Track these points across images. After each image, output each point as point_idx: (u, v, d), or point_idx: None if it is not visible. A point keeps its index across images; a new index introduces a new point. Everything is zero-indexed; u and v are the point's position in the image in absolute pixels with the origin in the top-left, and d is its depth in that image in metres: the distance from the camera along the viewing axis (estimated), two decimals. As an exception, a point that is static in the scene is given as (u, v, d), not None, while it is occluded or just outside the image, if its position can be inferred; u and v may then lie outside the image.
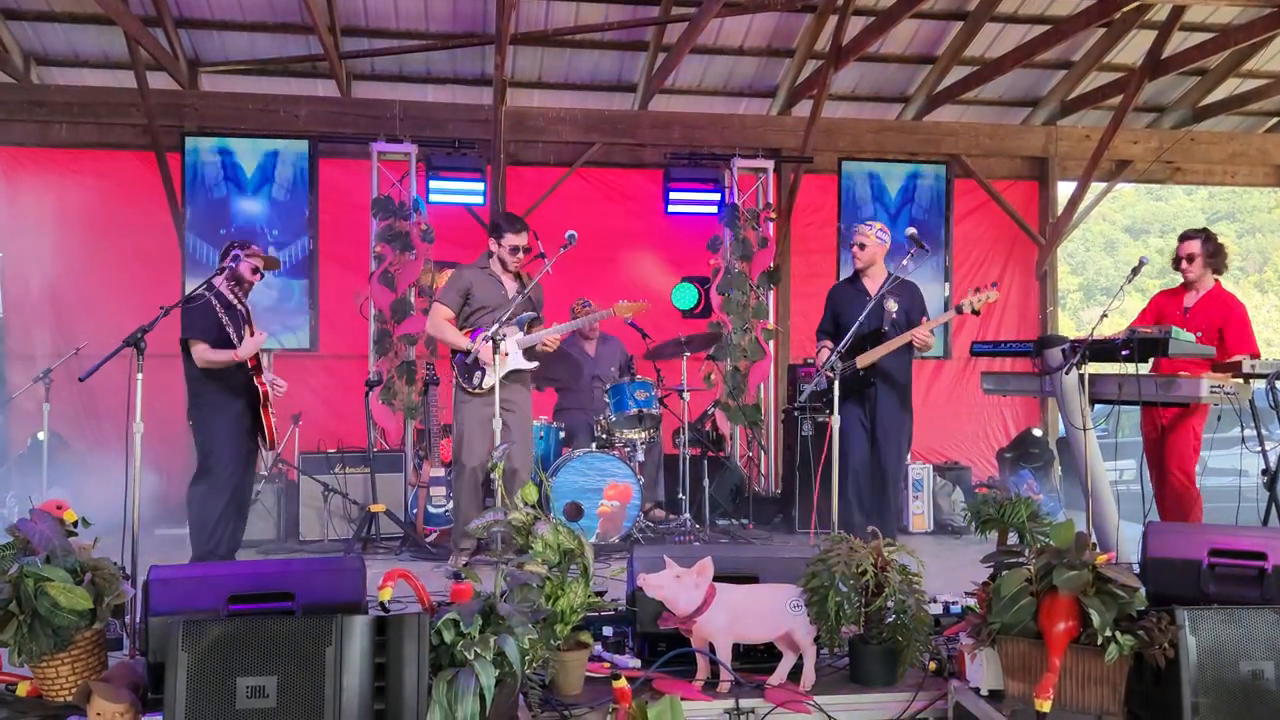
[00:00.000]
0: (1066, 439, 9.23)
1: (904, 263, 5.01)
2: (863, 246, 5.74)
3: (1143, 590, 3.02)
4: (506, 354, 5.45)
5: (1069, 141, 9.89)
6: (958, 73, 9.20)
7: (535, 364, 5.85)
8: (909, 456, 5.96)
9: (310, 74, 8.80)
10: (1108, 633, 2.88)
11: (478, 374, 5.69)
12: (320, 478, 6.81)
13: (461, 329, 5.78)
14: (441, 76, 9.02)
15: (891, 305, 5.56)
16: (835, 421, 4.72)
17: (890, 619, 3.52)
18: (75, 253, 8.22)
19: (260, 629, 2.65)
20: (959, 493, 7.68)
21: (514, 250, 5.77)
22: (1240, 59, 9.30)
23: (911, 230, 5.09)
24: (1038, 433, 8.83)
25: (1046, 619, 3.00)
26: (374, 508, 6.64)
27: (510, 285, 5.83)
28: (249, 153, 8.10)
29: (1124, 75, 9.21)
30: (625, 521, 6.43)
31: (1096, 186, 9.89)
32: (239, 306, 5.36)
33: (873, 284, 5.72)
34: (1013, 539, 3.65)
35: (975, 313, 5.24)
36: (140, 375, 4.19)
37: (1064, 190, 10.02)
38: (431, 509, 6.77)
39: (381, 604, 3.04)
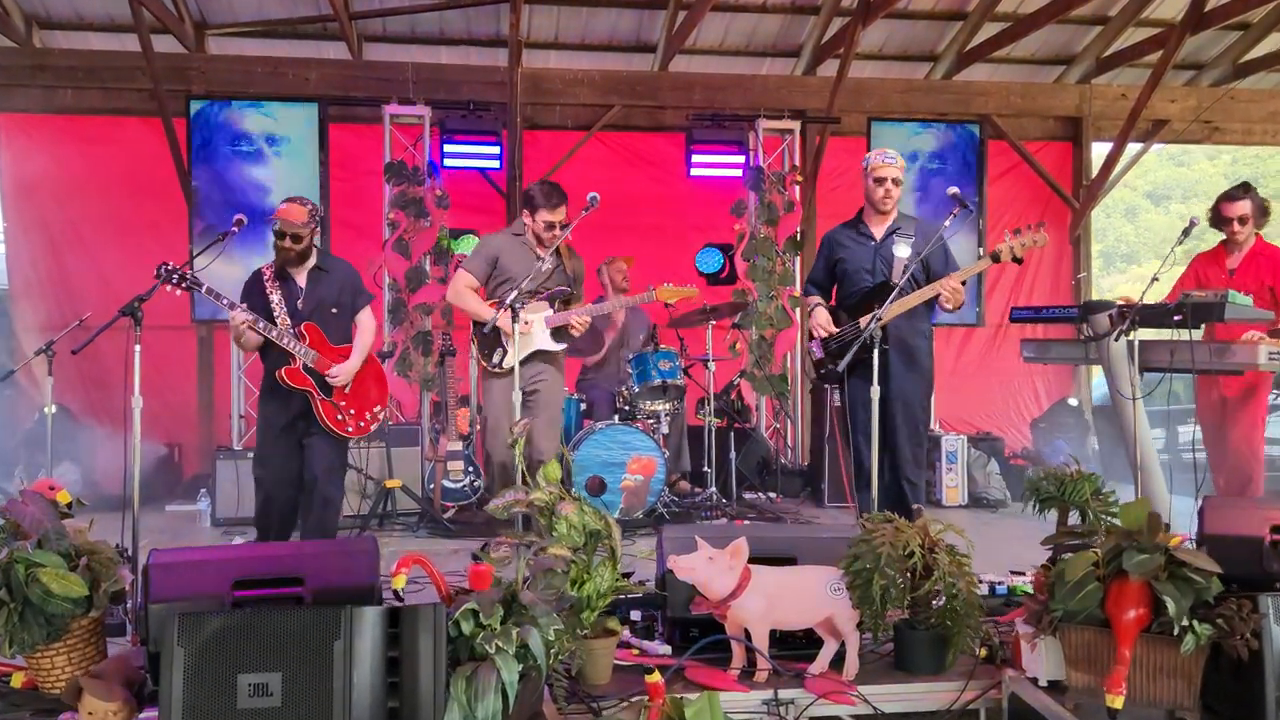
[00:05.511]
0: (1106, 408, 9.01)
1: (945, 224, 4.66)
2: (897, 182, 4.87)
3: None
4: (529, 323, 5.09)
5: (1104, 101, 9.57)
6: (989, 29, 8.87)
7: (563, 345, 5.41)
8: (926, 439, 5.20)
9: (320, 36, 8.55)
10: (1184, 622, 2.64)
11: (499, 351, 5.25)
12: (334, 452, 6.61)
13: (487, 302, 5.36)
14: (455, 37, 8.75)
15: (902, 250, 4.80)
16: (875, 392, 4.43)
17: (939, 603, 3.30)
18: (81, 222, 8.10)
19: (263, 621, 2.44)
20: (994, 464, 7.42)
21: (549, 227, 5.25)
22: (1285, 11, 8.91)
23: (954, 189, 4.70)
24: (1073, 402, 8.56)
25: (1115, 606, 2.76)
26: (390, 483, 6.44)
27: (545, 256, 5.29)
28: (257, 117, 7.85)
29: (1161, 30, 8.85)
30: (649, 496, 6.21)
31: (1132, 148, 9.56)
32: (293, 279, 4.87)
33: (878, 228, 4.94)
34: (1073, 518, 3.40)
35: (1017, 260, 4.61)
36: (139, 346, 3.92)
37: (1098, 151, 9.70)
38: (449, 484, 6.57)
39: (395, 592, 2.83)
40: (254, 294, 4.79)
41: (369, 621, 2.50)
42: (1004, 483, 7.36)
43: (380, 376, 5.09)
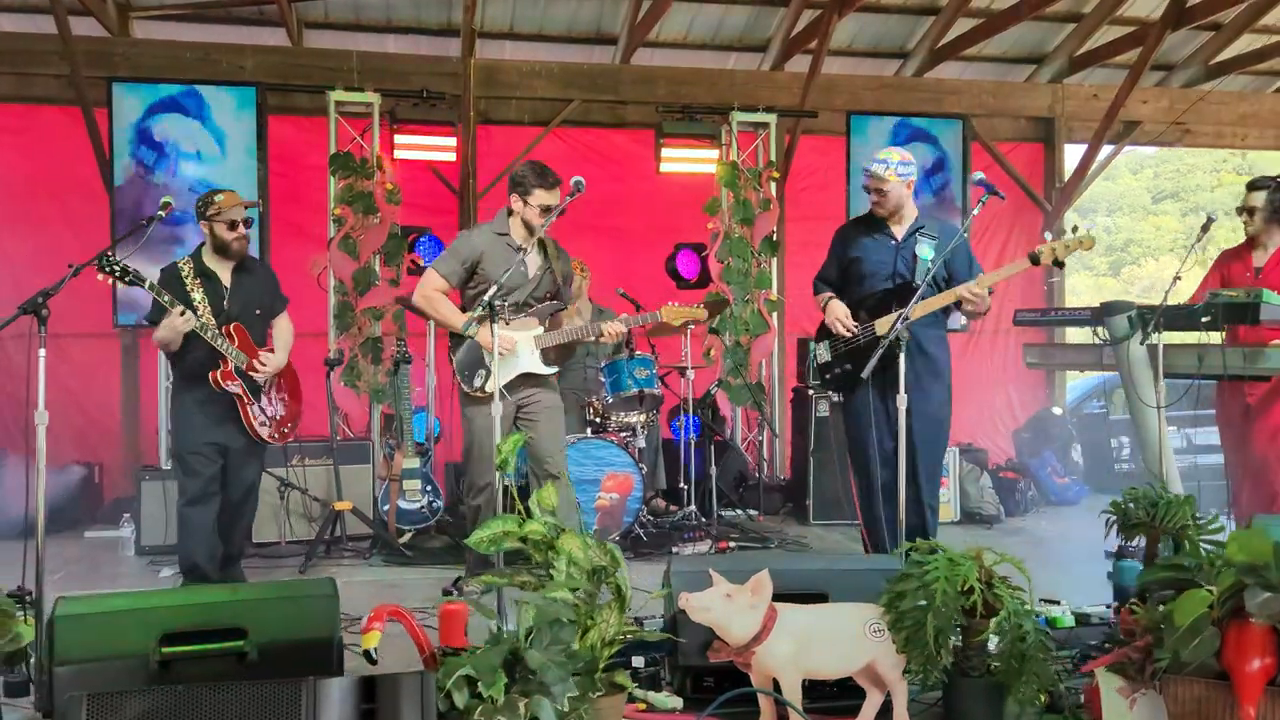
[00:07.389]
0: (1088, 417, 8.71)
1: (974, 210, 4.24)
2: (883, 193, 4.38)
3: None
4: (508, 322, 4.42)
5: (1076, 101, 9.32)
6: (961, 25, 8.55)
7: (554, 369, 4.70)
8: (943, 456, 4.72)
9: (257, 21, 7.93)
10: (1326, 674, 2.21)
11: (481, 373, 4.53)
12: (275, 471, 5.94)
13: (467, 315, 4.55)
14: (403, 25, 8.19)
15: (926, 250, 4.36)
16: (902, 401, 3.97)
17: (1001, 645, 2.84)
18: (-7, 219, 7.37)
19: (200, 700, 1.89)
20: (986, 478, 7.02)
21: (545, 211, 4.57)
22: (1258, 11, 8.69)
23: (979, 174, 4.32)
24: (1056, 411, 8.23)
25: (1235, 655, 2.32)
26: (339, 505, 5.82)
27: (534, 261, 4.62)
28: (188, 106, 7.18)
29: (1136, 29, 8.62)
30: (626, 516, 5.70)
31: (1105, 149, 9.32)
32: (217, 276, 4.57)
33: (898, 227, 4.49)
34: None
35: (1059, 264, 4.12)
36: (43, 351, 3.28)
37: (1070, 153, 9.46)
38: (404, 505, 5.98)
39: (366, 653, 2.29)
40: (173, 291, 4.39)
41: (336, 696, 1.97)
42: (996, 496, 6.97)
43: (296, 386, 4.88)
